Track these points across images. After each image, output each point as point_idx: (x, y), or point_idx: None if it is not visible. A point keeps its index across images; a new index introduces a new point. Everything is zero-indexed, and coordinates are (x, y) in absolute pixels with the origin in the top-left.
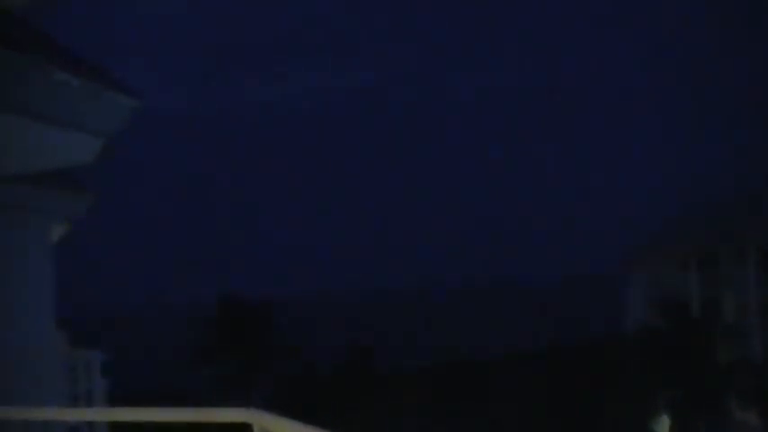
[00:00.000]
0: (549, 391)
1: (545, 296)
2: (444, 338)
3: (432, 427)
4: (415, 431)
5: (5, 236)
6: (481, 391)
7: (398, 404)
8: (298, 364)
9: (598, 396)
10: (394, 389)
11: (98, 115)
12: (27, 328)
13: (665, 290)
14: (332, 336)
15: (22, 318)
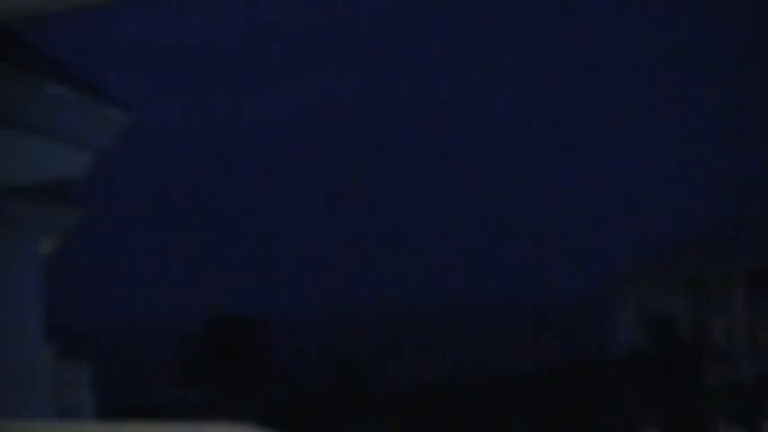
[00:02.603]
0: (536, 414)
1: (531, 319)
2: (433, 359)
3: None
4: None
5: None
6: (469, 414)
7: (387, 424)
8: (286, 382)
9: (587, 419)
10: (382, 408)
11: (90, 129)
12: (13, 342)
13: (653, 313)
14: (321, 354)
15: (7, 331)
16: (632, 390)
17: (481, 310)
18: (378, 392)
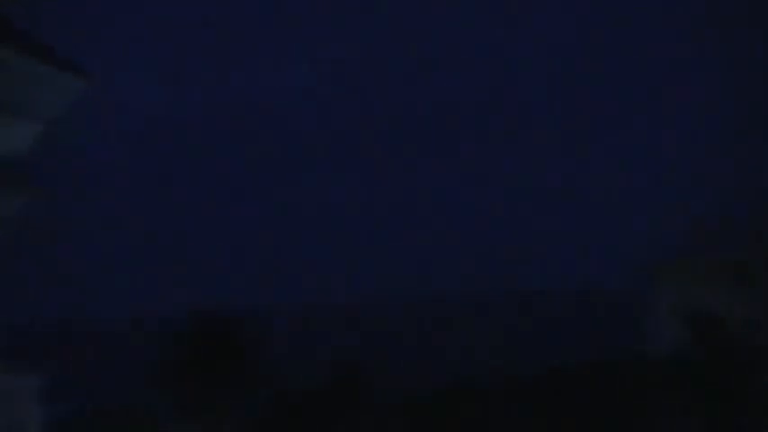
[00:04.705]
0: (555, 420)
1: (555, 313)
2: (441, 359)
3: None
4: None
5: None
6: (482, 421)
7: (387, 429)
8: (276, 386)
9: (618, 427)
10: (382, 412)
11: (37, 97)
12: None
13: (694, 306)
14: (314, 353)
15: None
16: (671, 392)
17: (498, 304)
18: (378, 394)
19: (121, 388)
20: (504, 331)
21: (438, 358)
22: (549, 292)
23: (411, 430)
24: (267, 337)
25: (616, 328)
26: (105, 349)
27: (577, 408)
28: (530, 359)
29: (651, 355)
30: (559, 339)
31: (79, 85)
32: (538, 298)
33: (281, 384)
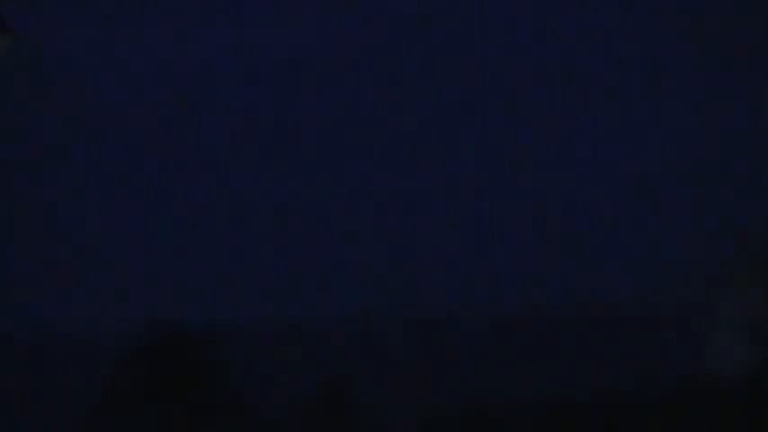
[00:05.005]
0: None
1: (591, 327)
2: (449, 382)
3: None
4: None
5: None
6: None
7: None
8: (250, 413)
9: None
10: None
11: None
12: None
13: (761, 319)
14: (296, 375)
15: None
16: (739, 422)
17: (520, 316)
18: (367, 415)
19: (73, 413)
20: (529, 349)
21: (444, 382)
22: (576, 307)
23: None
24: (247, 354)
25: (667, 345)
26: (35, 370)
27: None
28: (562, 382)
29: (714, 378)
30: (591, 363)
31: (4, 41)
32: (568, 312)
33: (261, 405)
